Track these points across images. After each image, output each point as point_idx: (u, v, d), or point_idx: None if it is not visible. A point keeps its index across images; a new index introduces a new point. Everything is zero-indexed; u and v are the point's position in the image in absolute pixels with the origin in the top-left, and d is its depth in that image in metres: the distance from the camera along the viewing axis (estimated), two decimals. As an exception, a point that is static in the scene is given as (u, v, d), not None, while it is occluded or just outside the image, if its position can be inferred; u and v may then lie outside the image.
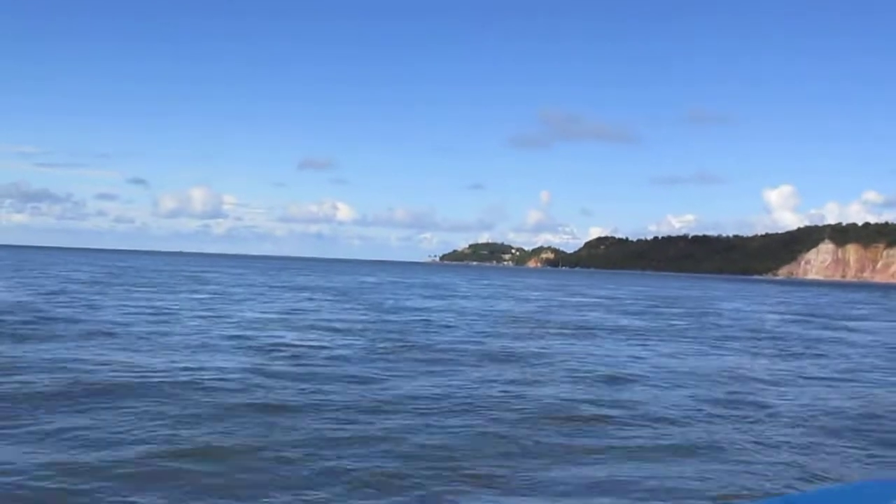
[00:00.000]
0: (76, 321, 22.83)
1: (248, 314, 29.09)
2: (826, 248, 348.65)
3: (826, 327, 35.75)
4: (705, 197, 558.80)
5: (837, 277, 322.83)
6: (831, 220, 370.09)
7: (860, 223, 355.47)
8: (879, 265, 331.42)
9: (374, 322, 27.59)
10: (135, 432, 9.76)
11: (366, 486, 8.26)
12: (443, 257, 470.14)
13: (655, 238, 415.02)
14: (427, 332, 24.60)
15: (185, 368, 14.86)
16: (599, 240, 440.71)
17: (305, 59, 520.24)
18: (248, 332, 22.13)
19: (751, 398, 13.87)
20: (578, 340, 24.12)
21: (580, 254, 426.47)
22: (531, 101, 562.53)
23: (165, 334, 20.63)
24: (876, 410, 13.06)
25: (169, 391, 12.37)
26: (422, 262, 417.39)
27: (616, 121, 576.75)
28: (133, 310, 28.21)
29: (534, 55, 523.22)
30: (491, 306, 41.40)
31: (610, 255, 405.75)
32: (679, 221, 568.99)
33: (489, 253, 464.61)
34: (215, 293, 43.35)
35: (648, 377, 16.18)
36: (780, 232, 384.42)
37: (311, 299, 41.48)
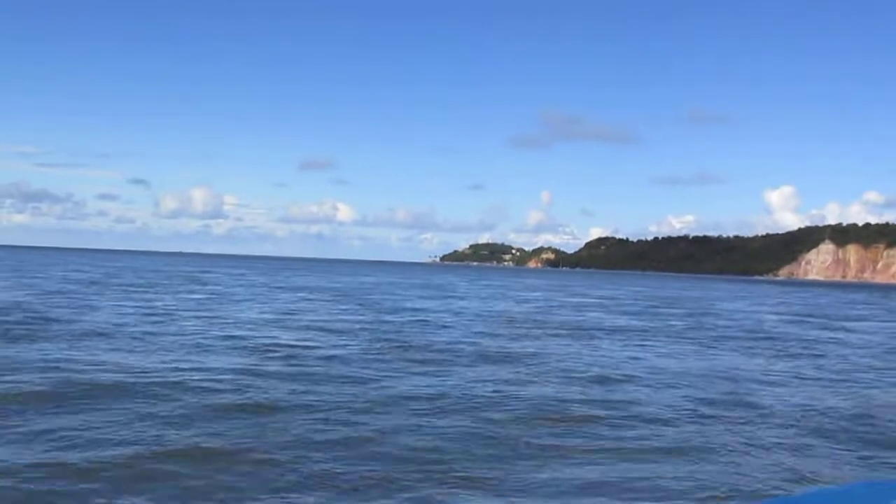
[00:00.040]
0: (71, 321, 22.78)
1: (245, 315, 29.04)
2: (826, 249, 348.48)
3: (824, 328, 35.68)
4: (706, 197, 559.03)
5: (838, 278, 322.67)
6: (832, 221, 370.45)
7: (861, 223, 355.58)
8: (880, 265, 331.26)
9: (371, 322, 27.54)
10: (123, 433, 9.71)
11: (354, 489, 8.19)
12: (443, 258, 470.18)
13: (656, 238, 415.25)
14: (424, 332, 24.54)
15: (178, 369, 14.81)
16: (600, 240, 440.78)
17: (305, 59, 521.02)
18: (244, 333, 22.08)
19: (745, 398, 13.80)
20: (575, 341, 24.06)
21: (581, 254, 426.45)
22: (531, 101, 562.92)
23: (160, 335, 20.57)
24: (870, 411, 12.99)
25: (159, 392, 12.31)
26: (422, 263, 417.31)
27: (616, 121, 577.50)
28: (129, 310, 28.17)
29: (534, 55, 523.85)
30: (489, 307, 41.34)
31: (610, 255, 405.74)
32: (679, 222, 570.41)
33: (490, 253, 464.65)
34: (213, 293, 43.30)
35: (643, 377, 16.12)
36: (780, 232, 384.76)
37: (308, 300, 41.43)
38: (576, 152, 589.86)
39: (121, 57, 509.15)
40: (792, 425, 11.61)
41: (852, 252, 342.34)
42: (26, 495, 7.57)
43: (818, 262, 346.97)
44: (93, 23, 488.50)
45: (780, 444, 10.42)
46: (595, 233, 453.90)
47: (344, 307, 36.08)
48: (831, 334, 31.45)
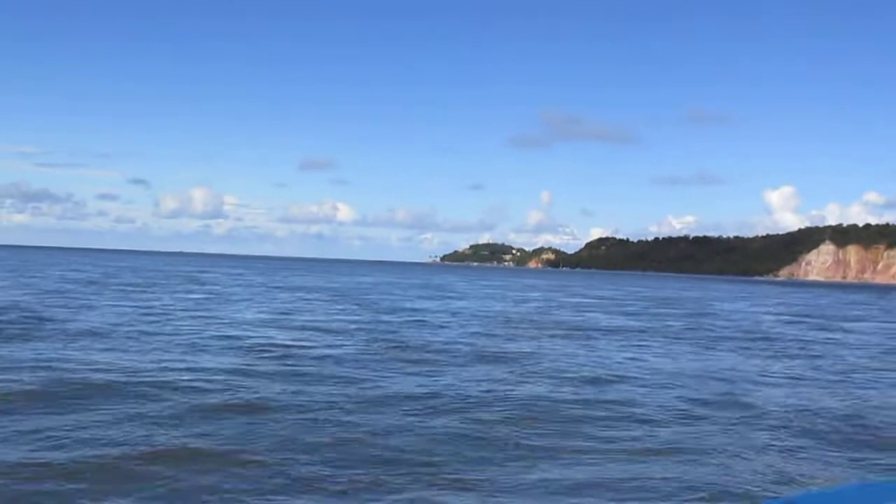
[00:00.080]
0: (66, 321, 22.75)
1: (242, 315, 29.00)
2: (827, 250, 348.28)
3: (822, 328, 35.64)
4: (706, 198, 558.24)
5: (838, 278, 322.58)
6: (832, 221, 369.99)
7: (861, 224, 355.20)
8: (880, 266, 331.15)
9: (367, 322, 27.51)
10: (111, 433, 9.67)
11: (343, 492, 8.13)
12: (443, 258, 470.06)
13: (656, 239, 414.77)
14: (420, 332, 24.50)
15: (170, 369, 14.78)
16: (600, 240, 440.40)
17: (305, 59, 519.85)
18: (239, 333, 22.04)
19: (739, 399, 13.75)
20: (572, 341, 24.02)
21: (581, 254, 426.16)
22: (531, 101, 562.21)
23: (155, 334, 20.54)
24: (863, 413, 12.93)
25: (150, 392, 12.27)
26: (422, 263, 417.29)
27: (616, 121, 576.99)
28: (125, 310, 28.13)
29: (534, 55, 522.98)
30: (487, 307, 41.31)
31: (611, 255, 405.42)
32: (680, 222, 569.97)
33: (490, 253, 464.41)
34: (211, 293, 43.27)
35: (638, 378, 16.08)
36: (780, 233, 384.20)
37: (306, 300, 41.40)
38: (576, 152, 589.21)
39: (121, 57, 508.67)
40: (784, 426, 11.56)
41: (852, 253, 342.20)
42: (11, 495, 7.53)
43: (818, 263, 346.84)
44: (93, 23, 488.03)
45: (771, 445, 10.38)
46: (595, 233, 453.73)
47: (341, 307, 36.05)
48: (829, 335, 31.42)
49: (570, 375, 16.02)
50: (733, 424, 11.57)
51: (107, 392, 12.13)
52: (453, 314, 34.06)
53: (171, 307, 30.79)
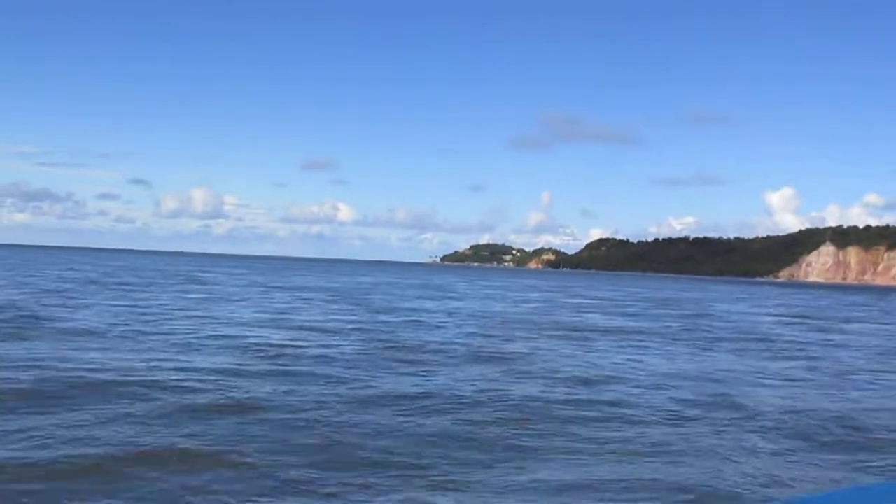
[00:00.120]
0: (62, 320, 22.72)
1: (239, 314, 28.96)
2: (827, 251, 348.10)
3: (820, 329, 35.59)
4: (706, 198, 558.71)
5: (838, 280, 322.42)
6: (832, 223, 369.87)
7: (861, 225, 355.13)
8: (880, 268, 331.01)
9: (364, 322, 27.47)
10: (97, 433, 9.62)
11: (332, 495, 8.08)
12: (444, 258, 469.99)
13: (656, 240, 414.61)
14: (416, 332, 24.45)
15: (163, 368, 14.73)
16: (600, 241, 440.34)
17: (306, 59, 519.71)
18: (235, 333, 21.99)
19: (732, 400, 13.67)
20: (569, 342, 23.97)
21: (581, 255, 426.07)
22: (532, 101, 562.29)
23: (150, 334, 20.50)
24: (856, 414, 12.84)
25: (141, 391, 12.22)
26: (422, 263, 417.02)
27: (616, 121, 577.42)
28: (122, 309, 28.08)
29: (534, 56, 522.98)
30: (485, 307, 41.26)
31: (611, 256, 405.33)
32: (680, 223, 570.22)
33: (490, 254, 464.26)
34: (209, 293, 43.22)
35: (632, 379, 16.03)
36: (780, 234, 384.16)
37: (304, 299, 41.35)
38: (576, 153, 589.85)
39: (121, 57, 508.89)
40: (776, 427, 11.49)
41: (853, 254, 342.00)
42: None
43: (819, 264, 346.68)
44: (93, 23, 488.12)
45: (761, 447, 10.30)
46: (595, 234, 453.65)
47: (339, 307, 36.01)
48: (828, 336, 31.37)
49: (564, 376, 15.96)
50: (725, 426, 11.52)
51: (97, 391, 12.08)
52: (451, 314, 34.01)
53: (168, 307, 30.74)
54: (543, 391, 13.91)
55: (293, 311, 31.57)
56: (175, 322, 24.42)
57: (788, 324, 39.15)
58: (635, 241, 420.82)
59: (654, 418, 11.81)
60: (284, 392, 12.85)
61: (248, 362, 16.18)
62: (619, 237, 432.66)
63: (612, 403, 12.89)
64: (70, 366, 14.32)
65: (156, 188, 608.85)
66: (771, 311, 52.94)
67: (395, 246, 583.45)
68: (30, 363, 14.30)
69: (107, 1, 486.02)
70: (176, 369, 14.71)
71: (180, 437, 9.66)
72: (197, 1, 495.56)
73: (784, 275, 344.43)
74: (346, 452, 9.43)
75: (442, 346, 20.57)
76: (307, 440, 9.88)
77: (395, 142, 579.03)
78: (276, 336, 21.64)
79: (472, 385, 14.22)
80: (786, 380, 17.36)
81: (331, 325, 25.86)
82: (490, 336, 24.55)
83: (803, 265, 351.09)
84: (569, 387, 14.61)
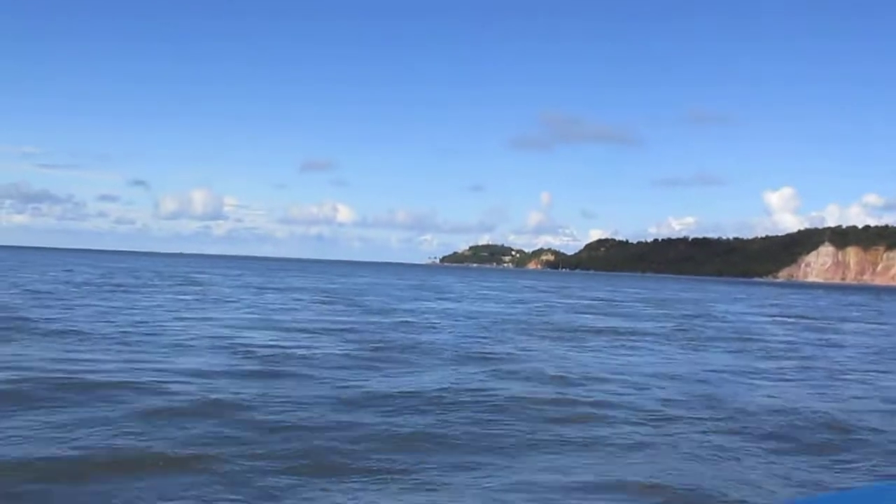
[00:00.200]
0: (50, 321, 22.60)
1: (231, 316, 28.84)
2: (826, 251, 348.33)
3: (816, 329, 35.51)
4: (706, 198, 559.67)
5: (837, 280, 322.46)
6: (831, 223, 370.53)
7: (860, 226, 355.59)
8: (879, 268, 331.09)
9: (356, 323, 27.36)
10: (72, 435, 9.49)
11: (308, 501, 7.96)
12: (443, 259, 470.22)
13: (655, 240, 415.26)
14: (407, 333, 24.35)
15: (146, 370, 14.60)
16: (600, 242, 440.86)
17: (306, 59, 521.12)
18: (225, 334, 21.86)
19: (719, 400, 13.55)
20: (560, 343, 23.87)
21: (580, 256, 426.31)
22: (532, 102, 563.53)
23: (137, 335, 20.38)
24: (843, 415, 12.75)
25: (122, 393, 12.10)
26: (422, 264, 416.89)
27: (616, 122, 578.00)
28: (113, 311, 27.97)
29: (534, 56, 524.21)
30: (481, 308, 41.16)
31: (610, 257, 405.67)
32: (679, 223, 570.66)
33: (489, 255, 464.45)
34: (204, 294, 43.10)
35: (619, 379, 15.92)
36: (780, 234, 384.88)
37: (299, 300, 41.24)
38: (576, 153, 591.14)
39: (121, 57, 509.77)
40: (759, 428, 11.30)
41: (852, 254, 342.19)
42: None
43: (818, 265, 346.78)
44: (93, 23, 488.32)
45: (742, 447, 10.16)
46: (595, 234, 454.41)
47: (331, 308, 35.90)
48: (822, 336, 31.29)
49: (551, 376, 15.85)
50: (707, 426, 11.35)
51: (77, 393, 11.97)
52: (446, 315, 33.92)
53: (160, 308, 30.64)
54: (529, 391, 13.79)
55: (284, 313, 31.45)
56: (164, 323, 24.31)
57: (784, 324, 39.08)
58: (635, 242, 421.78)
59: (635, 419, 11.70)
60: (268, 394, 12.73)
61: (233, 364, 16.07)
62: (618, 238, 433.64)
63: (596, 404, 12.78)
64: (52, 367, 14.20)
65: (155, 189, 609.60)
66: (768, 311, 52.85)
67: (394, 247, 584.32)
68: (10, 364, 14.18)
69: (107, 1, 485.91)
70: (159, 371, 14.60)
71: (156, 440, 9.54)
72: (197, 1, 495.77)
73: (783, 275, 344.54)
74: (324, 456, 9.30)
75: (432, 347, 20.46)
76: (286, 444, 9.72)
77: (395, 142, 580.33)
78: (264, 337, 21.53)
79: (458, 386, 14.10)
80: (776, 380, 17.26)
81: (321, 326, 25.75)
82: (481, 337, 24.45)
83: (802, 265, 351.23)
84: (555, 387, 14.50)
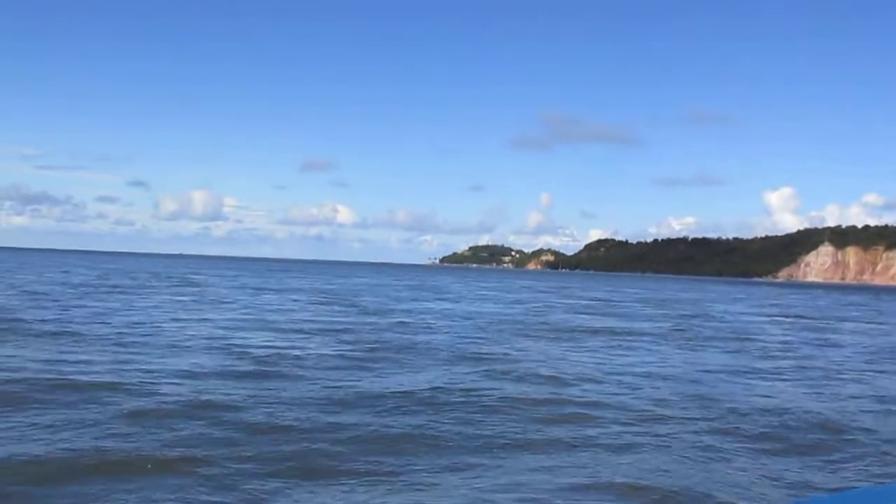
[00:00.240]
0: (44, 322, 22.52)
1: (226, 316, 28.77)
2: (826, 251, 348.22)
3: (814, 329, 35.45)
4: (706, 199, 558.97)
5: (837, 280, 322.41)
6: (831, 223, 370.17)
7: (860, 225, 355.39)
8: (879, 267, 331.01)
9: (351, 324, 27.30)
10: (59, 436, 9.45)
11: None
12: (443, 259, 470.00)
13: (655, 240, 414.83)
14: (402, 334, 24.28)
15: (138, 371, 14.56)
16: (599, 242, 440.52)
17: (306, 59, 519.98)
18: (217, 335, 21.80)
19: (711, 400, 13.48)
20: (556, 343, 23.81)
21: (580, 256, 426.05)
22: (532, 102, 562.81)
23: (130, 336, 20.31)
24: (836, 416, 12.68)
25: (111, 394, 12.04)
26: (422, 265, 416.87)
27: (616, 122, 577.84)
28: (108, 312, 27.89)
29: (534, 56, 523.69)
30: (477, 308, 41.09)
31: (610, 257, 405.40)
32: (679, 224, 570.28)
33: (489, 255, 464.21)
34: (201, 295, 43.02)
35: (613, 379, 15.86)
36: (779, 234, 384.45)
37: (296, 301, 41.18)
38: (576, 153, 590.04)
39: (121, 58, 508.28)
40: (750, 428, 11.20)
41: (851, 254, 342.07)
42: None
43: (817, 264, 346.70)
44: (93, 23, 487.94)
45: (732, 448, 10.11)
46: (595, 234, 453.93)
47: (328, 309, 35.83)
48: (820, 336, 31.23)
49: (545, 376, 15.79)
50: (698, 426, 11.29)
51: (67, 394, 11.91)
52: (443, 316, 33.85)
53: (156, 309, 30.58)
54: (521, 392, 13.72)
55: (280, 314, 31.38)
56: (160, 325, 24.24)
57: (783, 324, 39.03)
58: (634, 242, 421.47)
59: (627, 419, 11.63)
60: (259, 395, 12.67)
61: (226, 365, 16.00)
62: (618, 238, 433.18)
63: (588, 404, 12.71)
64: (44, 368, 14.15)
65: (155, 190, 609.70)
66: (767, 311, 52.79)
67: (394, 248, 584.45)
68: (2, 365, 14.12)
69: (107, 1, 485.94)
70: (151, 372, 14.54)
71: (144, 441, 9.48)
72: (197, 1, 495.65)
73: (783, 275, 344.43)
74: (312, 458, 9.22)
75: (427, 348, 20.40)
76: (274, 446, 9.64)
77: (395, 142, 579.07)
78: (259, 338, 21.46)
79: (450, 386, 14.04)
80: (772, 380, 17.20)
81: (317, 327, 25.68)
82: (477, 337, 24.38)
83: (802, 265, 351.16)
84: (548, 387, 14.44)
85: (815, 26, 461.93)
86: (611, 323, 33.74)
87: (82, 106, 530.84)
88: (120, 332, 21.00)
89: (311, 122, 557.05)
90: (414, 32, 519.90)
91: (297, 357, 17.46)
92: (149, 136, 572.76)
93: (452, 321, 30.77)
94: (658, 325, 33.86)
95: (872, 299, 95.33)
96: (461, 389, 13.61)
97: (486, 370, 16.35)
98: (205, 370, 15.09)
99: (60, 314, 25.74)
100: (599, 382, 15.34)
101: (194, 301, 37.32)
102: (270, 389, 13.18)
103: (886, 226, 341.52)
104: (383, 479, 8.60)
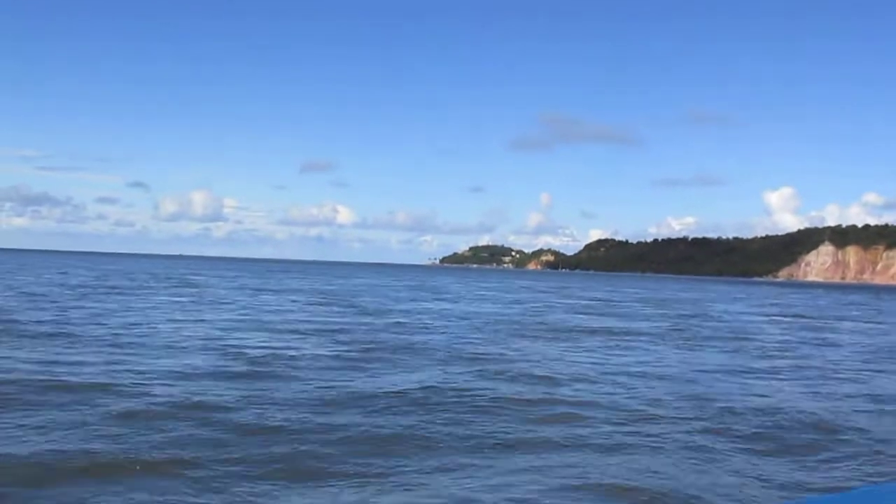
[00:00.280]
0: (40, 323, 22.47)
1: (225, 317, 28.72)
2: (826, 250, 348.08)
3: (812, 329, 35.38)
4: (706, 199, 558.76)
5: (837, 279, 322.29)
6: (831, 222, 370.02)
7: (860, 225, 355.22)
8: (879, 267, 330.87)
9: (350, 324, 27.26)
10: (46, 438, 9.40)
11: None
12: (443, 260, 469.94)
13: (655, 240, 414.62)
14: (399, 334, 24.23)
15: (131, 371, 14.50)
16: (599, 242, 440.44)
17: (306, 59, 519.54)
18: (213, 336, 21.75)
19: (705, 400, 13.40)
20: (553, 343, 23.75)
21: (580, 256, 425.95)
22: (532, 102, 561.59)
23: (130, 338, 20.26)
24: (830, 416, 12.62)
25: (102, 395, 11.98)
26: (422, 265, 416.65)
27: (616, 122, 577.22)
28: (108, 313, 27.84)
29: (534, 56, 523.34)
30: (475, 309, 41.03)
31: (610, 257, 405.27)
32: (679, 223, 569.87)
33: (489, 255, 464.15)
34: (200, 296, 42.97)
35: (608, 379, 15.79)
36: (780, 234, 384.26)
37: (294, 301, 41.14)
38: (576, 154, 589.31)
39: (121, 58, 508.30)
40: (743, 428, 11.14)
41: (852, 253, 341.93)
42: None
43: (818, 264, 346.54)
44: (93, 23, 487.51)
45: (723, 448, 10.04)
46: (595, 234, 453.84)
47: (327, 309, 35.77)
48: (818, 335, 31.16)
49: (540, 376, 15.72)
50: (691, 426, 11.22)
51: (56, 395, 11.87)
52: (441, 316, 33.79)
53: (154, 310, 30.53)
54: (515, 392, 13.65)
55: (278, 314, 31.33)
56: (157, 326, 24.19)
57: (781, 323, 38.95)
58: (634, 242, 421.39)
59: (620, 419, 11.56)
60: (251, 396, 12.61)
61: (220, 365, 15.94)
62: (618, 238, 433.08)
63: (581, 404, 12.65)
64: (37, 369, 14.10)
65: (155, 191, 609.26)
66: (766, 310, 52.71)
67: (394, 248, 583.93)
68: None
69: (107, 1, 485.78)
70: (144, 373, 14.48)
71: (132, 443, 9.41)
72: (197, 1, 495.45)
73: (783, 274, 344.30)
74: (302, 460, 9.14)
75: (422, 348, 20.35)
76: (264, 447, 9.56)
77: (395, 143, 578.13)
78: (255, 339, 21.40)
79: (444, 386, 13.98)
80: (767, 379, 17.13)
81: (314, 327, 25.63)
82: (474, 337, 24.32)
83: (802, 265, 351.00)
84: (542, 387, 14.37)
85: (815, 26, 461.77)
86: (609, 323, 33.68)
87: (82, 107, 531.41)
88: (116, 334, 20.95)
89: (311, 123, 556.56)
90: (414, 32, 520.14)
91: (292, 357, 17.41)
92: (149, 136, 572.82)
93: (449, 321, 30.71)
94: (656, 324, 33.79)
95: (872, 298, 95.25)
96: (454, 389, 13.54)
97: (480, 370, 16.29)
98: (198, 371, 15.04)
99: (57, 315, 25.68)
100: (594, 382, 15.28)
101: (192, 302, 37.27)
102: (263, 390, 13.13)
103: (886, 225, 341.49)
104: (373, 480, 8.55)
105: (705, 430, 10.98)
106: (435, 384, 14.10)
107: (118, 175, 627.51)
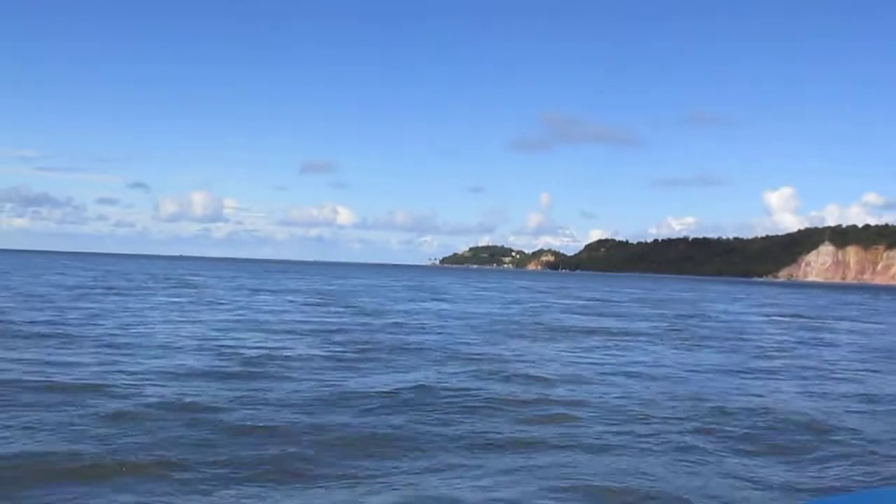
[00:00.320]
0: (34, 324, 22.42)
1: (223, 318, 28.66)
2: (826, 250, 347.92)
3: (811, 329, 35.32)
4: (706, 199, 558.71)
5: (837, 279, 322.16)
6: (831, 222, 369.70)
7: (860, 225, 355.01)
8: (879, 267, 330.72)
9: (347, 324, 27.20)
10: (34, 438, 9.35)
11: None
12: (443, 260, 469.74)
13: (655, 240, 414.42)
14: (396, 334, 24.17)
15: (123, 372, 14.45)
16: (600, 242, 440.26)
17: (306, 59, 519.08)
18: (213, 336, 21.69)
19: (698, 400, 13.32)
20: (552, 343, 23.69)
21: (580, 256, 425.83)
22: (532, 103, 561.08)
23: (126, 338, 20.20)
24: (823, 417, 12.55)
25: (93, 396, 11.92)
26: (421, 266, 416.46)
27: (617, 122, 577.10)
28: (105, 313, 27.78)
29: (534, 56, 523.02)
30: (475, 309, 40.97)
31: (610, 257, 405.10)
32: (679, 224, 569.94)
33: (489, 256, 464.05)
34: (198, 297, 42.91)
35: (605, 379, 15.74)
36: (780, 234, 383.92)
37: (293, 302, 41.08)
38: (576, 154, 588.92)
39: (121, 59, 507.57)
40: (734, 429, 11.06)
41: (852, 254, 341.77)
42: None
43: (818, 264, 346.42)
44: (93, 23, 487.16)
45: (714, 450, 9.96)
46: (595, 235, 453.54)
47: (325, 310, 35.71)
48: (816, 335, 31.09)
49: (534, 376, 15.65)
50: (682, 427, 11.15)
51: (45, 395, 11.82)
52: (439, 316, 33.74)
53: (152, 311, 30.47)
54: (509, 392, 13.58)
55: (274, 315, 31.27)
56: (153, 326, 24.14)
57: (780, 323, 38.88)
58: (635, 242, 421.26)
59: (612, 420, 11.49)
60: (243, 396, 12.56)
61: (214, 366, 15.89)
62: (618, 238, 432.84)
63: (574, 404, 12.58)
64: (28, 369, 14.05)
65: (155, 192, 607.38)
66: (766, 311, 52.63)
67: (394, 249, 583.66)
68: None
69: (107, 1, 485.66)
70: (137, 373, 14.43)
71: (119, 444, 9.35)
72: (197, 1, 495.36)
73: (783, 275, 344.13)
74: (290, 462, 9.07)
75: (418, 348, 20.29)
76: (252, 448, 9.49)
77: (395, 143, 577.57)
78: (251, 339, 21.35)
79: (437, 386, 13.90)
80: (763, 379, 17.06)
81: (310, 327, 25.57)
82: (471, 338, 24.26)
83: (802, 265, 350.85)
84: (536, 388, 14.30)
85: (815, 26, 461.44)
86: (607, 323, 33.62)
87: (82, 107, 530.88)
88: (112, 334, 20.90)
89: (311, 123, 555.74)
90: (414, 33, 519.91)
91: (287, 358, 17.35)
92: (149, 137, 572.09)
93: (447, 321, 30.64)
94: (654, 325, 33.72)
95: (872, 299, 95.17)
96: (448, 390, 13.48)
97: (475, 370, 16.23)
98: (191, 371, 14.98)
99: (53, 316, 25.62)
100: (589, 383, 15.22)
101: (190, 302, 37.21)
102: (255, 391, 13.07)
103: (887, 225, 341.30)
104: (362, 480, 8.50)
105: (697, 431, 10.91)
106: (429, 384, 14.03)
107: (118, 175, 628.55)
